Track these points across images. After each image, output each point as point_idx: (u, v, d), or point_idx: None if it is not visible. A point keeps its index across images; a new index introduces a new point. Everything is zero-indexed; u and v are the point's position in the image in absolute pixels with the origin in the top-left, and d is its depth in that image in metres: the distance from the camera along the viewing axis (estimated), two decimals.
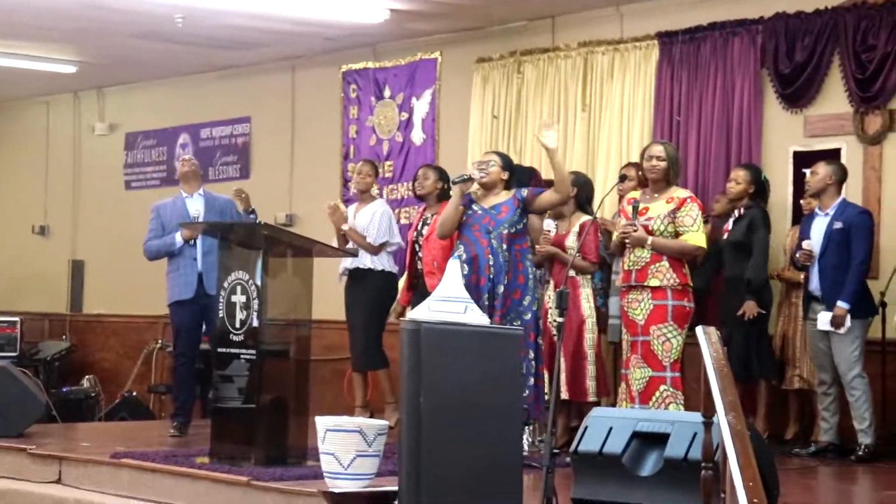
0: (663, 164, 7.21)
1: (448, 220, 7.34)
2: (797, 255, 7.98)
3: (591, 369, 7.87)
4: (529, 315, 7.15)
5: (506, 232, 7.21)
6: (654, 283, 7.07)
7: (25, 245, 14.33)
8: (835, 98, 8.58)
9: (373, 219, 8.93)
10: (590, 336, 7.90)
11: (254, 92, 12.25)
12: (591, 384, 7.86)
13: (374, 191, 9.64)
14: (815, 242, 7.87)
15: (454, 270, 4.93)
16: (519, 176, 8.00)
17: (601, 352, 8.10)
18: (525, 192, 7.35)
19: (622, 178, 6.97)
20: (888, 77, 8.29)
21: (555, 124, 7.37)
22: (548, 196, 7.31)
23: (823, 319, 7.76)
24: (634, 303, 7.16)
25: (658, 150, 7.32)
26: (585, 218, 7.98)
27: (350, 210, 9.26)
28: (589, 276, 8.03)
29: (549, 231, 7.98)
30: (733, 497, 4.03)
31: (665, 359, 7.04)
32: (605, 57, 9.63)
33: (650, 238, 7.12)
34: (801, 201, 8.47)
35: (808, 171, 8.41)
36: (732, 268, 8.22)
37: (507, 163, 7.49)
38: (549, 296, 7.84)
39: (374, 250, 8.87)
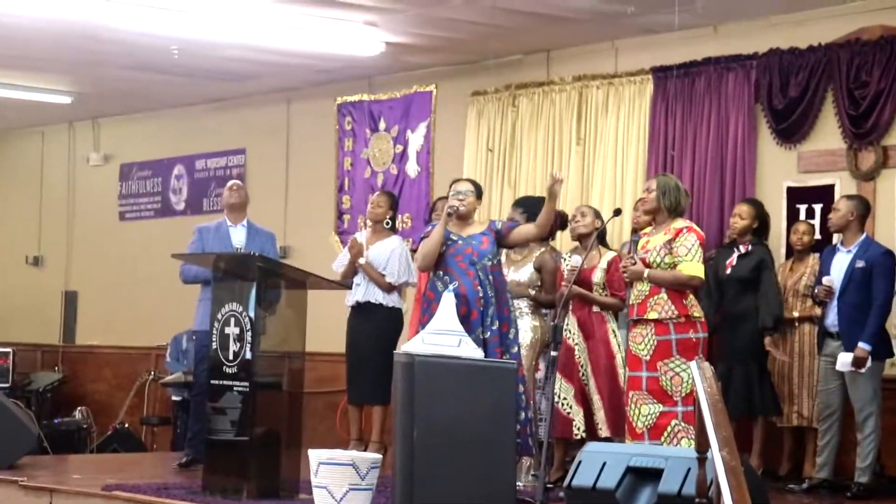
0: (652, 194, 7.16)
1: (430, 253, 7.13)
2: (816, 291, 7.95)
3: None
4: (516, 348, 7.07)
5: (489, 264, 7.15)
6: (653, 315, 7.00)
7: (19, 275, 14.32)
8: (828, 134, 8.61)
9: (391, 256, 8.85)
10: (622, 372, 7.66)
11: (249, 123, 12.27)
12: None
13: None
14: (835, 279, 7.82)
15: (449, 304, 4.92)
16: (533, 209, 7.87)
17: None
18: (499, 224, 7.33)
19: (617, 213, 6.93)
20: (881, 113, 8.32)
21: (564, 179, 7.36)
22: (525, 231, 7.31)
23: (843, 360, 7.66)
24: (638, 337, 7.05)
25: (650, 182, 7.30)
26: (612, 254, 7.89)
27: (359, 237, 9.22)
28: (612, 312, 7.92)
29: (576, 268, 7.69)
30: None
31: (675, 394, 6.92)
32: (600, 91, 9.66)
33: (647, 270, 7.06)
34: (792, 237, 8.46)
35: (803, 208, 8.45)
36: (734, 303, 8.20)
37: (479, 191, 7.47)
38: (572, 331, 7.76)
39: (389, 288, 8.80)
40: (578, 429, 7.66)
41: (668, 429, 6.90)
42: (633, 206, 8.47)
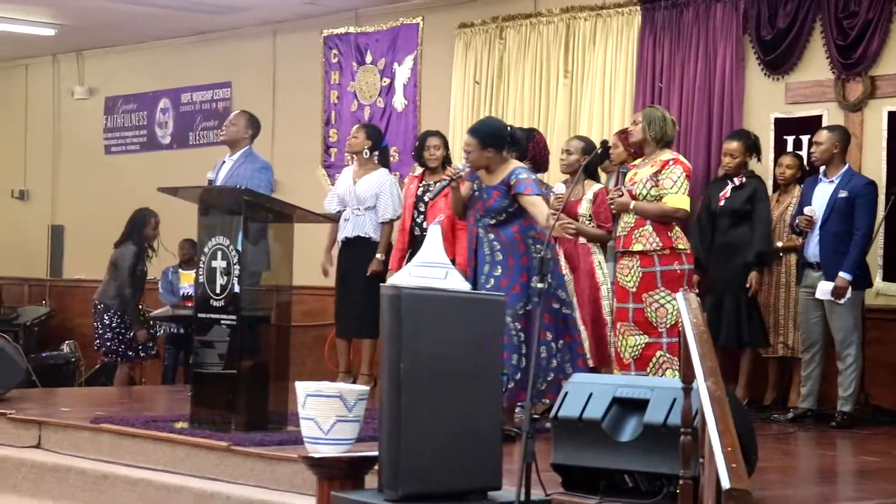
0: (638, 126, 7.15)
1: (455, 208, 7.10)
2: (797, 221, 7.97)
3: (611, 336, 7.65)
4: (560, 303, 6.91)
5: (492, 222, 6.85)
6: (637, 247, 7.02)
7: (4, 209, 14.27)
8: (816, 65, 8.59)
9: (381, 191, 8.84)
10: (606, 303, 7.73)
11: (234, 57, 12.19)
12: (612, 351, 7.68)
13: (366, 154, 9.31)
14: (817, 209, 7.84)
15: (435, 236, 4.92)
16: (518, 138, 7.75)
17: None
18: (514, 180, 6.80)
19: (604, 144, 6.89)
20: (869, 44, 8.30)
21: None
22: (530, 203, 6.78)
23: (824, 289, 7.72)
24: (625, 269, 7.08)
25: (637, 115, 7.30)
26: (598, 186, 7.89)
27: (346, 172, 9.20)
28: (599, 244, 7.92)
29: (561, 195, 7.73)
30: (711, 462, 4.04)
31: (661, 325, 6.97)
32: (588, 23, 9.60)
33: (633, 202, 7.07)
34: (776, 170, 8.47)
35: (790, 139, 8.44)
36: (727, 235, 8.22)
37: (483, 138, 6.86)
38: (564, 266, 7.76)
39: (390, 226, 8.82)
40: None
41: (654, 359, 6.97)
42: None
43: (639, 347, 7.02)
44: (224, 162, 8.42)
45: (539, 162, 8.05)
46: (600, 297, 7.79)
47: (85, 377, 11.72)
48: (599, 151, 7.05)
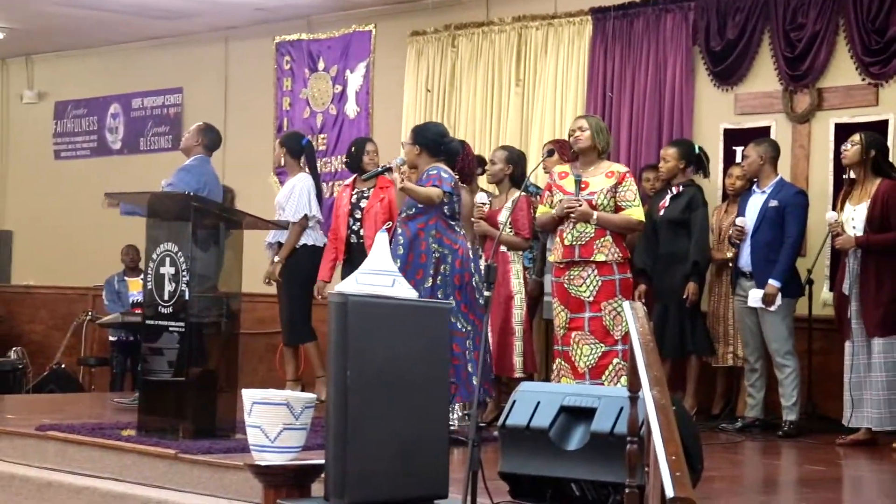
0: (586, 133, 7.21)
1: (397, 202, 7.51)
2: (730, 232, 8.05)
3: (518, 345, 7.90)
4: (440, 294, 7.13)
5: (404, 215, 7.23)
6: (600, 257, 7.09)
7: None
8: (765, 76, 8.67)
9: (291, 195, 8.87)
10: (518, 312, 7.93)
11: (186, 62, 12.14)
12: (517, 360, 7.88)
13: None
14: (749, 219, 7.94)
15: (382, 243, 4.92)
16: (453, 150, 7.96)
17: (530, 328, 8.11)
18: (425, 176, 7.23)
19: (550, 153, 6.95)
20: (817, 56, 8.38)
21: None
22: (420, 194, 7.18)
23: (754, 297, 7.83)
24: (578, 279, 7.12)
25: (581, 122, 7.35)
26: (518, 193, 7.98)
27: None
28: (520, 253, 8.05)
29: (484, 205, 7.97)
30: (656, 470, 4.06)
31: (616, 332, 7.04)
32: (539, 32, 9.64)
33: (595, 213, 7.13)
34: (726, 181, 8.54)
35: (739, 150, 8.51)
36: (668, 245, 8.27)
37: (417, 136, 7.36)
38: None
39: (299, 226, 8.81)
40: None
41: (610, 367, 7.03)
42: (544, 148, 8.52)
43: (594, 356, 7.07)
44: None
45: (466, 174, 8.12)
46: (512, 305, 7.93)
47: (32, 384, 11.60)
48: (546, 157, 7.13)
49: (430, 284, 7.07)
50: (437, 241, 7.14)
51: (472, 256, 7.30)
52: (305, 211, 8.78)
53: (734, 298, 8.14)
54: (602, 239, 7.11)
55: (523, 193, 8.00)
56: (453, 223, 7.24)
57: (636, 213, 7.18)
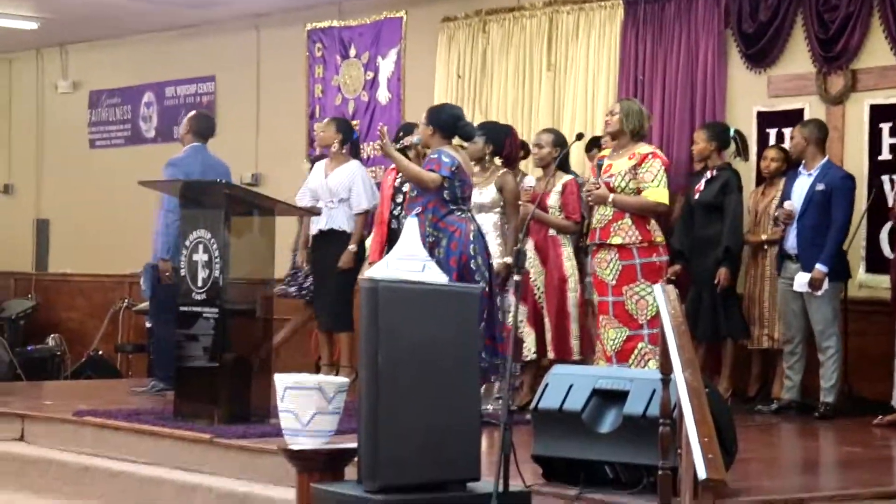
0: (615, 117, 7.17)
1: None
2: (777, 214, 8.02)
3: (574, 328, 7.79)
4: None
5: (412, 194, 7.25)
6: (616, 240, 7.04)
7: None
8: (798, 58, 8.61)
9: (353, 182, 8.80)
10: (572, 295, 7.80)
11: (218, 50, 12.17)
12: (575, 343, 7.79)
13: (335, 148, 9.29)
14: (795, 202, 7.89)
15: (412, 228, 4.93)
16: (494, 134, 7.96)
17: (585, 310, 8.07)
18: (427, 159, 7.24)
19: (579, 137, 6.92)
20: (850, 37, 8.32)
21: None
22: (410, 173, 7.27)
23: (801, 281, 7.78)
24: (603, 262, 7.11)
25: (614, 106, 7.32)
26: (567, 177, 7.92)
27: (318, 166, 9.17)
28: (569, 236, 7.97)
29: (531, 188, 7.86)
30: (689, 452, 4.06)
31: (641, 316, 7.00)
32: (571, 17, 9.62)
33: (611, 195, 7.09)
34: (761, 163, 8.50)
35: (773, 132, 8.48)
36: (703, 228, 8.24)
37: (431, 117, 7.27)
38: (529, 255, 7.81)
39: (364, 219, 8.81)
40: (529, 349, 7.77)
41: (636, 352, 6.99)
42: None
43: (619, 341, 7.05)
44: None
45: (511, 159, 8.11)
46: (567, 288, 7.84)
47: (70, 371, 11.71)
48: (575, 141, 7.08)
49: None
50: (433, 224, 7.04)
51: (474, 240, 7.15)
52: (375, 201, 8.76)
53: (779, 281, 8.08)
54: (620, 222, 7.06)
55: (571, 177, 7.96)
56: (454, 207, 7.14)
57: (653, 194, 7.06)
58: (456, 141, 7.31)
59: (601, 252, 7.13)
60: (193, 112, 8.88)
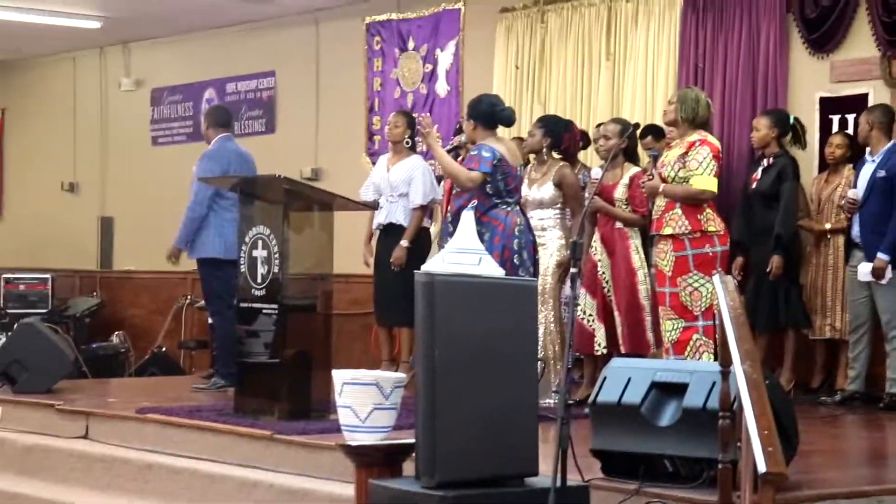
0: (671, 106, 7.08)
1: None
2: (843, 204, 7.92)
3: (648, 321, 7.61)
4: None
5: (455, 192, 7.28)
6: (668, 231, 6.96)
7: (55, 202, 14.39)
8: (861, 42, 8.48)
9: (414, 176, 8.77)
10: (643, 287, 7.65)
11: (278, 45, 12.22)
12: (651, 336, 7.61)
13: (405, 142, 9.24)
14: (860, 189, 7.80)
15: (468, 222, 4.90)
16: (553, 127, 7.90)
17: (656, 303, 7.96)
18: (468, 156, 7.28)
19: (635, 127, 6.85)
20: None
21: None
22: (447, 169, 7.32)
23: (864, 270, 7.69)
24: (661, 253, 7.05)
25: (672, 95, 7.24)
26: (635, 169, 7.80)
27: (381, 160, 9.17)
28: (637, 229, 7.86)
29: (597, 180, 7.67)
30: (748, 446, 4.01)
31: (696, 308, 6.93)
32: (630, 5, 9.54)
33: (661, 185, 7.01)
34: (826, 150, 8.39)
35: (836, 118, 8.36)
36: (761, 218, 8.16)
37: (472, 113, 7.33)
38: (596, 248, 7.75)
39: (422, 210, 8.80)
40: (599, 344, 7.69)
41: (690, 343, 6.92)
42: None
43: (676, 332, 6.98)
44: None
45: (570, 153, 8.05)
46: (637, 281, 7.69)
47: (135, 368, 11.81)
48: (629, 133, 7.01)
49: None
50: (477, 219, 6.81)
51: (519, 234, 7.13)
52: (433, 195, 8.75)
53: (847, 269, 7.98)
54: (671, 212, 6.97)
55: (639, 169, 7.86)
56: (498, 201, 7.12)
57: (698, 182, 6.93)
58: (502, 132, 7.29)
59: (660, 243, 7.07)
60: (208, 107, 8.99)
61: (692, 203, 6.97)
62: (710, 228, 6.98)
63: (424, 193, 8.72)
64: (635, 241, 7.76)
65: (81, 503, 6.82)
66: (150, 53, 13.52)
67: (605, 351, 7.65)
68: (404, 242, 8.70)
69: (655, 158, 7.15)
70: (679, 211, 6.95)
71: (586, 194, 7.69)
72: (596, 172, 7.93)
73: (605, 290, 7.75)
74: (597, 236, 7.80)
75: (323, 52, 11.86)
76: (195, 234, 8.64)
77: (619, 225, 7.76)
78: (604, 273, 7.74)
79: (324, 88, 11.85)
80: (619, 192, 7.75)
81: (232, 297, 7.76)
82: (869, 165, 7.83)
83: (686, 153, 6.98)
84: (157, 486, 6.74)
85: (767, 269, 8.02)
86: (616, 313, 7.66)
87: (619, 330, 7.64)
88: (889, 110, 7.94)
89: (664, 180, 7.01)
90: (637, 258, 7.72)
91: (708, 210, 7.01)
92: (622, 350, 7.58)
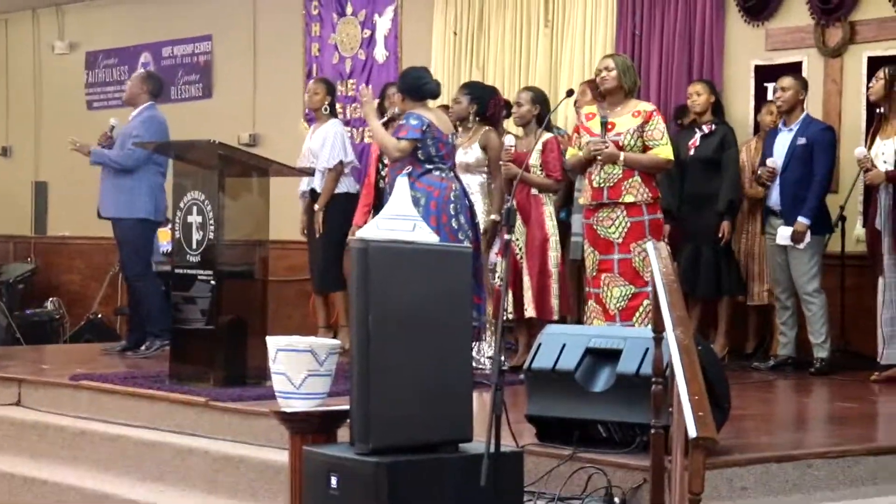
0: (612, 73, 7.08)
1: None
2: (760, 173, 7.98)
3: (554, 287, 7.77)
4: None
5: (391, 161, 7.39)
6: (628, 199, 6.96)
7: None
8: (796, 11, 8.55)
9: (325, 142, 8.79)
10: (553, 254, 7.79)
11: (215, 9, 12.09)
12: (555, 302, 7.80)
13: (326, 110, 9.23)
14: (777, 158, 7.87)
15: (402, 188, 4.89)
16: (478, 93, 7.98)
17: (565, 270, 8.06)
18: (396, 126, 7.37)
19: (569, 94, 6.84)
20: None
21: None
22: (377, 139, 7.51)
23: (783, 234, 7.79)
24: (607, 220, 7.01)
25: (607, 61, 7.19)
26: (548, 135, 7.88)
27: (310, 132, 9.15)
28: (551, 195, 7.96)
29: (511, 147, 7.84)
30: (680, 410, 4.04)
31: (647, 274, 6.92)
32: None
33: (622, 154, 7.00)
34: (759, 118, 8.45)
35: (770, 86, 8.40)
36: (700, 184, 8.20)
37: (399, 85, 7.48)
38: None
39: (339, 173, 8.76)
40: (506, 310, 7.73)
41: (641, 309, 6.91)
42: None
43: (625, 298, 6.98)
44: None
45: (494, 119, 8.08)
46: (548, 248, 7.79)
47: (69, 334, 11.71)
48: (566, 97, 7.01)
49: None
50: (411, 185, 7.00)
51: (454, 199, 7.19)
52: (341, 157, 8.72)
53: (764, 237, 8.08)
54: (630, 180, 6.99)
55: (552, 135, 7.92)
56: (431, 167, 7.18)
57: (664, 151, 7.02)
58: (433, 104, 7.35)
59: (604, 210, 7.01)
60: (144, 72, 9.02)
61: (651, 171, 7.04)
62: (659, 195, 7.07)
63: (331, 156, 8.71)
64: (549, 208, 7.85)
65: (14, 471, 6.76)
66: (84, 16, 13.33)
67: (511, 316, 7.70)
68: (316, 207, 8.71)
69: (604, 125, 7.07)
70: (639, 178, 6.97)
71: (501, 162, 7.75)
72: (508, 140, 7.94)
73: (519, 256, 7.80)
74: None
75: (260, 17, 11.76)
76: (125, 195, 8.54)
77: (534, 192, 7.81)
78: (518, 239, 7.77)
79: (261, 53, 11.76)
80: (534, 159, 7.79)
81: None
82: (785, 134, 7.92)
83: (646, 123, 6.99)
84: (91, 453, 6.69)
85: (720, 235, 8.07)
86: (527, 277, 7.71)
87: (525, 295, 7.69)
88: (806, 82, 8.02)
89: (621, 148, 6.98)
90: (550, 225, 7.82)
91: (655, 179, 7.09)
92: (528, 314, 7.67)
